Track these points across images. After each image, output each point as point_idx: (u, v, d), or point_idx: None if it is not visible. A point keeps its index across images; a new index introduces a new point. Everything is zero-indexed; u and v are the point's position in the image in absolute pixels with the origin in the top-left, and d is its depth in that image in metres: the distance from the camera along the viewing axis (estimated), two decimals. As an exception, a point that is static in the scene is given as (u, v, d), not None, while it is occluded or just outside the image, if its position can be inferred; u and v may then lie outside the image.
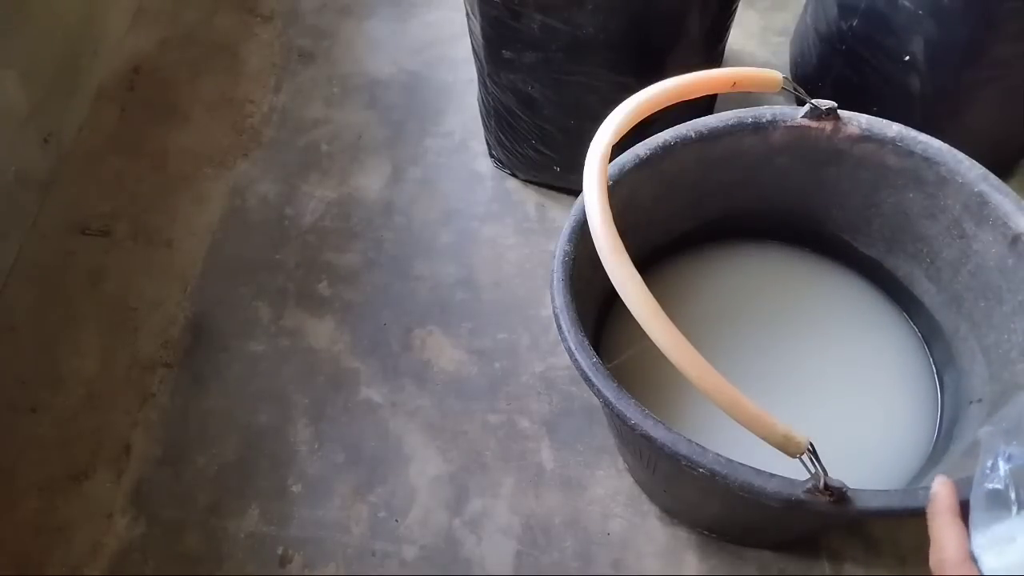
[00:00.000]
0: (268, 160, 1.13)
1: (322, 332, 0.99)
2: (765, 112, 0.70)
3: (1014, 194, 0.64)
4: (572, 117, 0.92)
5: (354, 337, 0.98)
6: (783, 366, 0.77)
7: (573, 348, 0.59)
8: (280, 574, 0.85)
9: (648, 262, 0.81)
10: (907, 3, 0.82)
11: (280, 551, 0.86)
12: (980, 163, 0.65)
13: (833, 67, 0.98)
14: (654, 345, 0.51)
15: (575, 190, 0.93)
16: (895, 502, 0.52)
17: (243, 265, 1.04)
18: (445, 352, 0.97)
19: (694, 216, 0.81)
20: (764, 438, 0.49)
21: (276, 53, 1.24)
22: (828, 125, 0.69)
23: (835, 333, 0.79)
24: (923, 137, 0.67)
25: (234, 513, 0.88)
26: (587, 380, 0.58)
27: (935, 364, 0.76)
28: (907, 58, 0.86)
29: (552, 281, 0.62)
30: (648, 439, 0.54)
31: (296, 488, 0.89)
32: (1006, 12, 0.77)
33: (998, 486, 0.43)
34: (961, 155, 0.66)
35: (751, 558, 0.83)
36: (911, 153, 0.67)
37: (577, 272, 0.63)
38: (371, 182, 1.11)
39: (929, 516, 0.46)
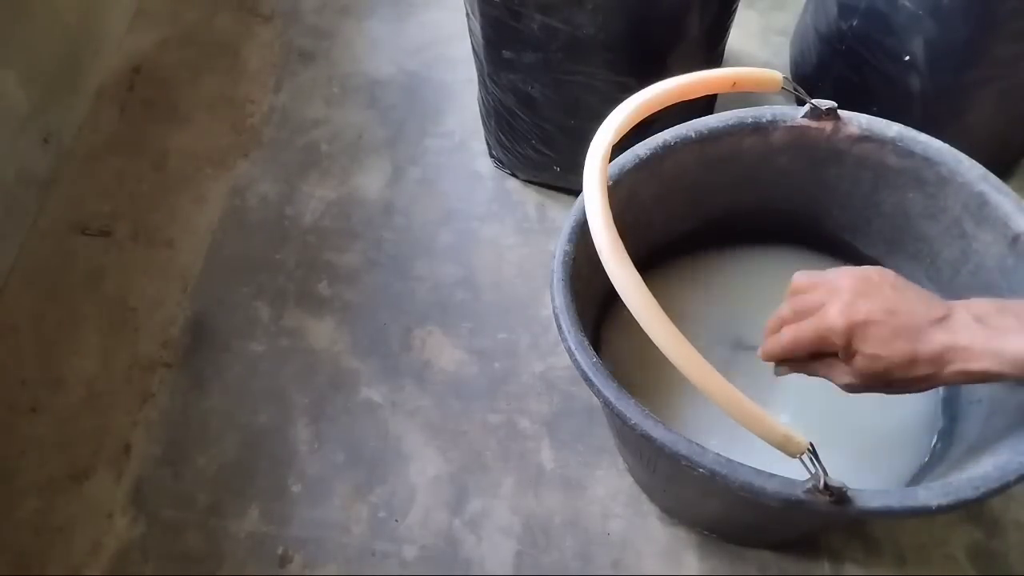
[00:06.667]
0: (268, 160, 1.13)
1: (322, 332, 0.99)
2: (765, 112, 0.70)
3: (1014, 194, 0.64)
4: (572, 117, 0.92)
5: (354, 337, 0.98)
6: (783, 366, 0.77)
7: (573, 348, 0.59)
8: (280, 574, 0.85)
9: (648, 262, 0.81)
10: (907, 3, 0.82)
11: (280, 551, 0.86)
12: (980, 163, 0.65)
13: (833, 67, 0.98)
14: (654, 346, 0.50)
15: (575, 190, 0.93)
16: (895, 502, 0.52)
17: (243, 265, 1.04)
18: (445, 352, 0.97)
19: (694, 216, 0.81)
20: (764, 438, 0.49)
21: (276, 53, 1.24)
22: (828, 125, 0.69)
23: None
24: (923, 137, 0.67)
25: (234, 513, 0.88)
26: (587, 380, 0.57)
27: (935, 364, 0.76)
28: (907, 58, 0.86)
29: (552, 281, 0.62)
30: (648, 439, 0.54)
31: (296, 488, 0.89)
32: (1006, 12, 0.77)
33: None
34: (961, 155, 0.66)
35: (751, 558, 0.83)
36: (911, 153, 0.67)
37: (577, 272, 0.63)
38: (371, 182, 1.11)
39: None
